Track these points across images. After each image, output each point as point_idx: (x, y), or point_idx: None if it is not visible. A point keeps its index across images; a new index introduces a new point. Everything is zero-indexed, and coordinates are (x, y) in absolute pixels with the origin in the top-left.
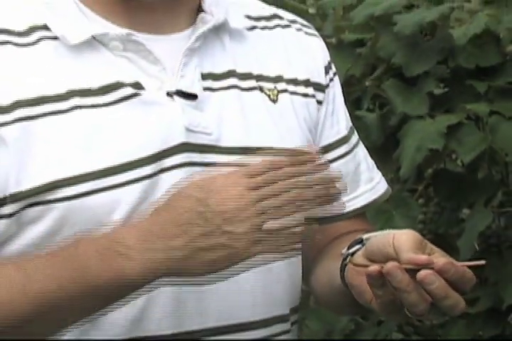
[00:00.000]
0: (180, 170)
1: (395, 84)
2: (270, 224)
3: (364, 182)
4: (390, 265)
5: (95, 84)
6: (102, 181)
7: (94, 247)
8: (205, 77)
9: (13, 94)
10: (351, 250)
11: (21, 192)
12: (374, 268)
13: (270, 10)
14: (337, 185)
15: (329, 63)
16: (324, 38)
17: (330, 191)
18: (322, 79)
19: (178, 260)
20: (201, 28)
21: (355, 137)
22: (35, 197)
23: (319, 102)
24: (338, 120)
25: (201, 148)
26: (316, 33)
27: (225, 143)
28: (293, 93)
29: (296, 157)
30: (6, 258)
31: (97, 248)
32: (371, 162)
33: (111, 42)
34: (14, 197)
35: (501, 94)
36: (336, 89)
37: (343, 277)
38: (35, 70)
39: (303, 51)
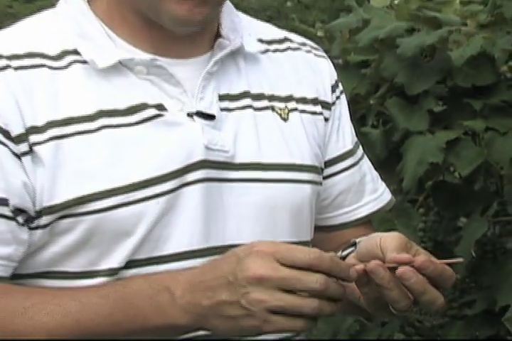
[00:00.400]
0: (200, 185)
1: (398, 102)
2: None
3: (369, 192)
4: (373, 263)
5: (122, 105)
6: (128, 196)
7: (146, 291)
8: (222, 98)
9: (46, 114)
10: (345, 252)
11: (54, 206)
12: (359, 267)
13: (281, 33)
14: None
15: (336, 82)
16: (332, 59)
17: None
18: (329, 98)
19: (203, 318)
20: (219, 54)
21: (360, 151)
22: (67, 210)
23: (326, 119)
24: (343, 135)
25: (218, 165)
26: (324, 54)
27: (239, 159)
28: (302, 111)
29: (335, 268)
30: (61, 288)
31: (148, 292)
32: (375, 174)
33: (136, 67)
34: (48, 210)
35: (496, 111)
36: (342, 107)
37: None
38: (67, 92)
39: (312, 72)
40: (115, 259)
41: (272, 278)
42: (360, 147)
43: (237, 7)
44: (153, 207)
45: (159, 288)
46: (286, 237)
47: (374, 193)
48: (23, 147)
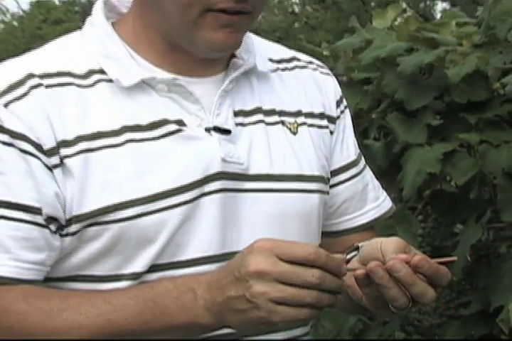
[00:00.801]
0: (217, 195)
1: (398, 117)
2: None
3: (371, 200)
4: (373, 264)
5: (144, 121)
6: (151, 205)
7: (172, 293)
8: (236, 114)
9: (75, 129)
10: (349, 256)
11: (82, 215)
12: (360, 271)
13: (289, 53)
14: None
15: (341, 98)
16: (336, 76)
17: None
18: (334, 112)
19: (220, 314)
20: (234, 73)
21: (362, 162)
22: (94, 218)
23: (332, 132)
24: (347, 147)
25: (234, 176)
26: (329, 72)
27: (252, 171)
28: (310, 125)
29: (330, 262)
30: (91, 290)
31: (174, 293)
32: (377, 183)
33: (158, 85)
34: (77, 219)
35: (490, 125)
36: (346, 121)
37: None
38: (94, 109)
39: (318, 88)
40: (138, 264)
41: (272, 272)
42: (363, 158)
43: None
44: (174, 216)
45: (184, 289)
46: None
47: (376, 201)
48: (55, 160)
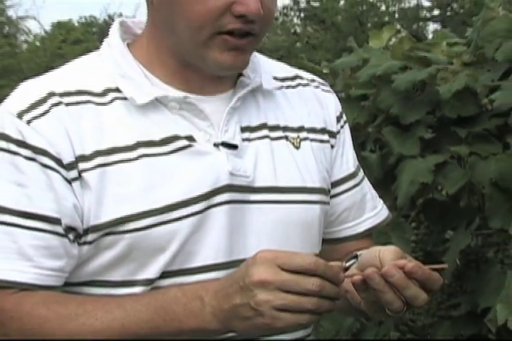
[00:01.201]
0: (225, 207)
1: (393, 130)
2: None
3: (369, 209)
4: (369, 270)
5: (157, 137)
6: (163, 216)
7: (181, 300)
8: (243, 130)
9: (93, 145)
10: (348, 263)
11: (99, 225)
12: (357, 277)
13: (293, 71)
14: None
15: (341, 114)
16: (336, 92)
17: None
18: (334, 128)
19: (227, 320)
20: (241, 91)
21: (361, 173)
22: (109, 228)
23: (332, 146)
24: (347, 160)
25: (241, 189)
26: (330, 89)
27: (258, 183)
28: (312, 140)
29: (328, 271)
30: (106, 296)
31: (182, 300)
32: (375, 193)
33: (170, 103)
34: (94, 228)
35: (478, 138)
36: (345, 135)
37: None
38: (110, 125)
39: (319, 105)
40: (151, 271)
41: (274, 281)
42: (361, 170)
43: None
44: (185, 226)
45: (192, 296)
46: (298, 250)
47: (373, 210)
48: (73, 173)
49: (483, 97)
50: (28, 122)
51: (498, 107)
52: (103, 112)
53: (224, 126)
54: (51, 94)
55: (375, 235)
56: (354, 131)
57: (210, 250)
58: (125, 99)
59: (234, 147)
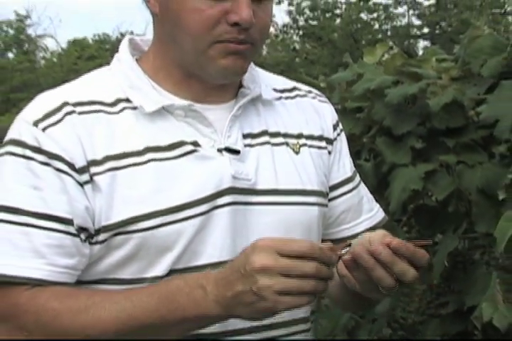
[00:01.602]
0: (228, 208)
1: (386, 141)
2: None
3: (365, 211)
4: (358, 249)
5: (164, 142)
6: (169, 217)
7: (184, 289)
8: (245, 136)
9: (104, 150)
10: (343, 251)
11: (110, 225)
12: (348, 257)
13: (291, 83)
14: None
15: (337, 122)
16: (332, 105)
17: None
18: (331, 135)
19: (230, 307)
20: (242, 100)
21: (357, 178)
22: (119, 228)
23: (329, 152)
24: (344, 165)
25: (243, 191)
26: (326, 100)
27: (260, 186)
28: (311, 146)
29: (323, 254)
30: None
31: (185, 290)
32: (371, 197)
33: (176, 111)
34: (105, 229)
35: (466, 148)
36: (342, 142)
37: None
38: (120, 132)
39: (317, 114)
40: (159, 269)
41: (274, 266)
42: (358, 175)
43: (255, 62)
44: (190, 226)
45: (194, 285)
46: None
47: (370, 212)
48: (85, 177)
49: (470, 110)
50: (43, 129)
51: (484, 119)
52: (114, 120)
53: (227, 133)
54: (65, 104)
55: None
56: (350, 141)
57: (214, 249)
58: (134, 108)
59: (236, 152)
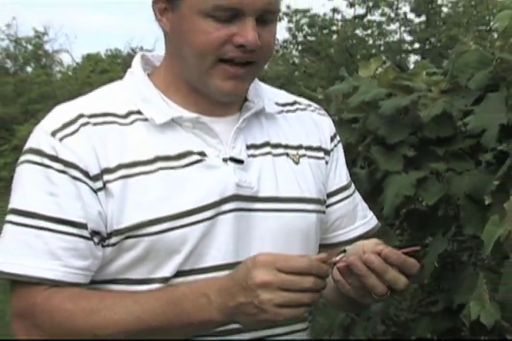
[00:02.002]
0: (232, 214)
1: (379, 149)
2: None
3: (359, 218)
4: (351, 257)
5: (173, 152)
6: (177, 222)
7: (189, 296)
8: (248, 147)
9: (117, 159)
10: (337, 258)
11: (121, 229)
12: (342, 264)
13: (292, 97)
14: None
15: (334, 134)
16: (330, 116)
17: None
18: (328, 146)
19: (232, 315)
20: (246, 114)
21: (352, 187)
22: (130, 232)
23: (326, 162)
24: (340, 174)
25: (246, 198)
26: (325, 113)
27: (262, 194)
28: (310, 157)
29: (320, 269)
30: (124, 292)
31: (190, 297)
32: (365, 205)
33: (184, 123)
34: (117, 232)
35: (454, 156)
36: (339, 153)
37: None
38: (132, 142)
39: (316, 126)
40: (167, 270)
41: (275, 282)
42: (353, 184)
43: (257, 76)
44: (195, 231)
45: (199, 294)
46: (297, 253)
47: (364, 219)
48: (99, 184)
49: (458, 120)
50: (61, 140)
51: (471, 129)
52: (126, 131)
53: (232, 143)
54: (80, 116)
55: None
56: (346, 150)
57: (218, 252)
58: (145, 120)
59: (240, 162)
